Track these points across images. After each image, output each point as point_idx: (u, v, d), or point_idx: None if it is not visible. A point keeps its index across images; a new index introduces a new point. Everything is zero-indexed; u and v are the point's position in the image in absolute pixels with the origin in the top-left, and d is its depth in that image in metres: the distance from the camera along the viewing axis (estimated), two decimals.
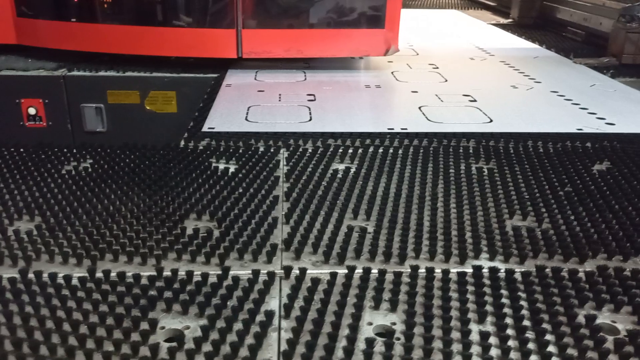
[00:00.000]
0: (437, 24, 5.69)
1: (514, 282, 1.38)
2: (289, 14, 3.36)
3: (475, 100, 2.89)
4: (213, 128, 2.41)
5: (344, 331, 1.20)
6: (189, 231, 1.58)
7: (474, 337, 1.19)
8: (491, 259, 1.50)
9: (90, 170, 2.00)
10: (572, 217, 1.70)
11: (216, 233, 1.59)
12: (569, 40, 4.86)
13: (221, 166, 2.05)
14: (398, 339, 1.19)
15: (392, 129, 2.45)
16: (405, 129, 2.45)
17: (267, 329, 1.20)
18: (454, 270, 1.42)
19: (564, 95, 3.02)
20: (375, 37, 3.38)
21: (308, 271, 1.41)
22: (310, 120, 2.55)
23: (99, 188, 1.84)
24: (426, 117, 2.62)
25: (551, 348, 1.16)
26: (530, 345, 1.16)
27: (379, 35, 3.36)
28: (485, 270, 1.42)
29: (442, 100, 2.89)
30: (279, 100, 2.84)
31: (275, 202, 1.77)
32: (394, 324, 1.24)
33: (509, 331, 1.20)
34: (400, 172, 2.01)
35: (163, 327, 1.22)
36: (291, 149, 2.21)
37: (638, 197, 1.84)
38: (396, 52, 3.42)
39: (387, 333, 1.22)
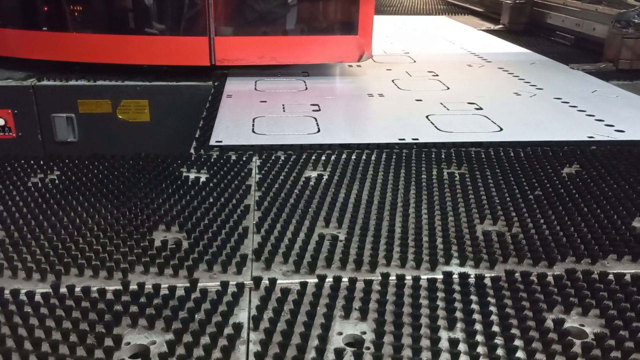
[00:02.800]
0: (429, 30, 5.69)
1: (483, 288, 1.38)
2: (262, 21, 3.35)
3: (481, 109, 2.88)
4: (221, 142, 2.34)
5: (314, 342, 1.19)
6: (157, 243, 1.56)
7: (444, 344, 1.19)
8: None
9: (57, 182, 1.96)
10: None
11: (185, 244, 1.56)
12: (561, 45, 4.91)
13: (192, 176, 2.03)
14: (368, 348, 1.18)
15: (403, 139, 2.40)
16: (417, 139, 2.41)
17: (235, 342, 1.18)
18: (424, 277, 1.41)
19: (568, 102, 3.02)
20: (349, 43, 3.38)
21: (278, 281, 1.39)
22: (319, 131, 2.51)
23: (65, 200, 1.80)
24: (435, 127, 2.59)
25: (520, 354, 1.16)
26: (500, 352, 1.16)
27: (353, 41, 3.37)
28: (455, 276, 1.42)
29: (448, 109, 2.87)
30: (284, 111, 2.80)
31: (247, 212, 1.75)
32: (364, 333, 1.23)
33: (478, 337, 1.20)
34: (372, 179, 2.01)
35: (128, 343, 1.19)
36: (264, 156, 2.20)
37: None
38: (369, 58, 3.43)
39: (357, 343, 1.21)
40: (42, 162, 2.11)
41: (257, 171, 2.08)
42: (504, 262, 1.52)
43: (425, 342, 1.19)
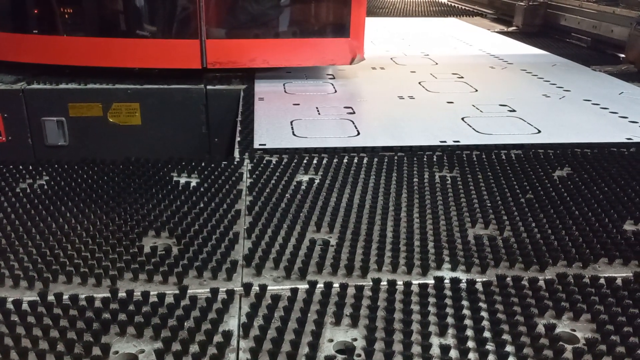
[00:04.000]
0: (443, 33, 5.68)
1: (475, 293, 1.37)
2: (253, 24, 3.34)
3: (514, 110, 2.88)
4: (264, 144, 2.35)
5: (304, 349, 1.18)
6: (147, 249, 1.54)
7: (435, 350, 1.18)
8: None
9: (46, 187, 1.94)
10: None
11: (175, 250, 1.55)
12: (577, 47, 4.92)
13: (182, 180, 2.01)
14: (359, 355, 1.18)
15: (445, 141, 2.41)
16: (458, 141, 2.42)
17: (225, 350, 1.17)
18: (415, 282, 1.41)
19: (598, 104, 3.02)
20: (341, 46, 3.37)
21: (269, 288, 1.38)
22: (359, 134, 2.52)
23: (54, 206, 1.79)
24: (473, 129, 2.59)
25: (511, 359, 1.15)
26: (491, 358, 1.16)
27: (345, 44, 3.36)
28: (447, 281, 1.42)
29: (481, 111, 2.87)
30: (319, 114, 2.80)
31: (237, 217, 1.74)
32: (355, 339, 1.22)
33: (470, 343, 1.20)
34: (364, 182, 2.00)
35: (117, 352, 1.18)
36: (255, 160, 2.19)
37: None
38: (362, 61, 3.42)
39: (347, 350, 1.20)
40: (30, 168, 2.09)
41: (247, 175, 2.07)
42: (496, 266, 1.51)
43: (416, 349, 1.18)
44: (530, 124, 2.67)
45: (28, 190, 1.91)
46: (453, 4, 7.97)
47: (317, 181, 2.01)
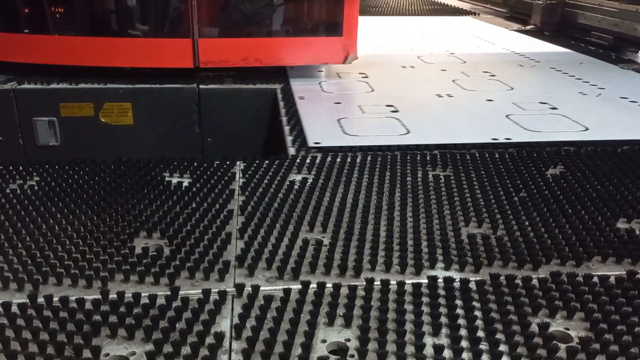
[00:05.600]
0: (461, 31, 5.67)
1: (468, 292, 1.37)
2: (246, 23, 3.32)
3: (556, 108, 2.89)
4: (319, 143, 2.36)
5: (297, 350, 1.17)
6: (138, 250, 1.53)
7: (429, 350, 1.17)
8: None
9: (36, 188, 1.92)
10: None
11: (167, 251, 1.54)
12: (597, 45, 4.92)
13: (174, 180, 2.00)
14: (352, 356, 1.17)
15: (496, 139, 2.42)
16: (510, 138, 2.42)
17: (217, 351, 1.16)
18: (409, 282, 1.40)
19: (636, 101, 3.04)
20: (334, 45, 3.36)
21: (261, 288, 1.37)
22: (409, 132, 2.52)
23: (44, 207, 1.77)
24: (520, 126, 2.59)
25: (505, 359, 1.15)
26: (484, 357, 1.15)
27: (337, 43, 3.35)
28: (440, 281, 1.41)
29: (523, 109, 2.87)
30: (363, 112, 2.82)
31: (230, 217, 1.73)
32: (348, 340, 1.22)
33: (463, 343, 1.19)
34: (357, 182, 1.99)
35: (107, 354, 1.17)
36: (247, 161, 2.18)
37: None
38: (355, 59, 3.41)
39: (340, 350, 1.19)
40: (21, 168, 2.07)
41: (240, 175, 2.06)
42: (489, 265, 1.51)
43: (409, 349, 1.18)
44: (576, 121, 2.68)
45: (18, 191, 1.89)
46: (452, 3, 7.96)
47: (310, 180, 2.00)
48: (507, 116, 2.75)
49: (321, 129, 2.54)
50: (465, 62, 4.12)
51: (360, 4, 7.58)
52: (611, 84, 3.44)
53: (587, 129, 2.57)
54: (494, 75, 3.65)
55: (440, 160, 2.19)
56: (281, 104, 2.95)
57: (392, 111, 2.83)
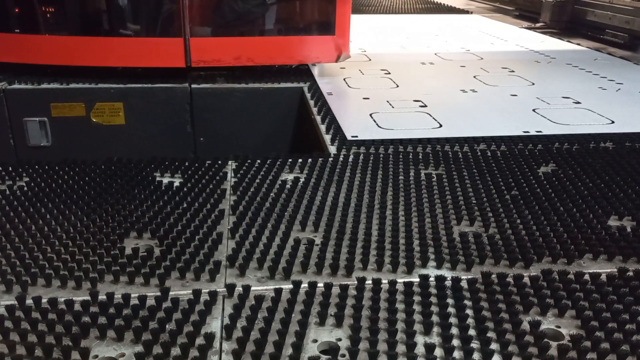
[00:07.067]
0: (471, 29, 5.68)
1: (460, 290, 1.37)
2: (238, 22, 3.30)
3: (579, 102, 2.93)
4: (356, 136, 2.41)
5: (288, 350, 1.17)
6: (128, 251, 1.52)
7: (420, 349, 1.17)
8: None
9: (26, 189, 1.91)
10: None
11: (157, 252, 1.53)
12: (609, 42, 4.94)
13: (165, 180, 1.99)
14: (343, 355, 1.16)
15: (528, 131, 2.46)
16: (540, 131, 2.47)
17: (207, 352, 1.15)
18: (400, 281, 1.40)
19: None
20: (326, 43, 3.35)
21: (252, 288, 1.36)
22: (441, 126, 2.57)
23: (34, 208, 1.75)
24: (548, 119, 2.64)
25: (496, 358, 1.15)
26: (476, 356, 1.15)
27: (330, 41, 3.35)
28: (432, 279, 1.41)
29: (548, 103, 2.92)
30: (392, 107, 2.85)
31: (221, 217, 1.72)
32: (340, 339, 1.21)
33: (455, 342, 1.19)
34: (349, 181, 1.99)
35: (96, 356, 1.16)
36: (239, 160, 2.17)
37: None
38: (347, 58, 3.41)
39: (331, 350, 1.18)
40: (10, 169, 2.05)
41: (232, 174, 2.05)
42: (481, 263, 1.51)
43: (401, 348, 1.17)
44: (602, 115, 2.72)
45: (7, 192, 1.88)
46: (450, 4, 7.96)
47: (302, 180, 2.00)
48: (533, 110, 2.79)
49: (355, 123, 2.59)
50: (482, 58, 4.15)
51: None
52: (628, 79, 3.49)
53: (613, 122, 2.62)
54: (513, 71, 3.69)
55: (432, 159, 2.19)
56: (311, 102, 2.95)
57: (421, 106, 2.89)
